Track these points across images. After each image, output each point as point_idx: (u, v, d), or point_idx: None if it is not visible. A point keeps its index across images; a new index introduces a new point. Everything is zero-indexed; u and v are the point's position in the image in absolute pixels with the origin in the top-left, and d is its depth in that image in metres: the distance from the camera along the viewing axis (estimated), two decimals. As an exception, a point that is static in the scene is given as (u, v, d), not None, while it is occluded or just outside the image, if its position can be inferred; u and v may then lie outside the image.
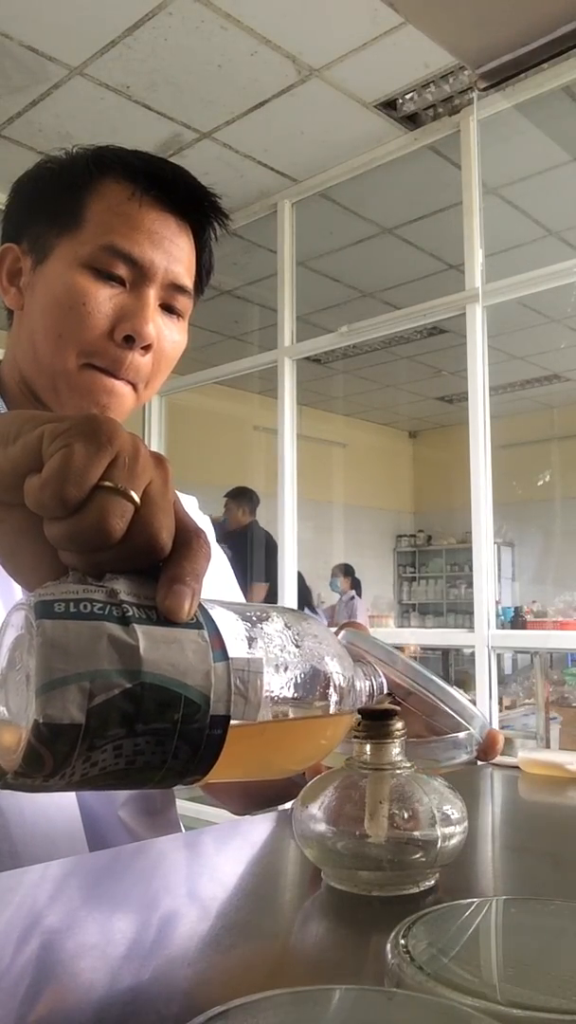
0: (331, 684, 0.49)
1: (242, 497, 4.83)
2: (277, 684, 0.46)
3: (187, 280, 0.84)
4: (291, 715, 0.48)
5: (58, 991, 0.40)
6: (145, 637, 0.40)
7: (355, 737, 0.53)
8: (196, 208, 0.84)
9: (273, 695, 0.46)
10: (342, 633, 0.63)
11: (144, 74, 2.97)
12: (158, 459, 0.43)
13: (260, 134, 3.32)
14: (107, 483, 0.39)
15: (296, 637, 0.48)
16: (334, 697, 0.49)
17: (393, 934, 0.33)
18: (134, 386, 0.82)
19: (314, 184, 3.69)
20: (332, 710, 0.48)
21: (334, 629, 0.67)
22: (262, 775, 0.50)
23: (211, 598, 0.47)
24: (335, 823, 0.50)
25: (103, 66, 2.92)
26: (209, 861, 0.50)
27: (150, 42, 2.80)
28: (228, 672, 0.43)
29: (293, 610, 0.51)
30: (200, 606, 0.43)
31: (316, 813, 0.51)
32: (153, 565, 0.42)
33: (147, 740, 0.42)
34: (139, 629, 0.40)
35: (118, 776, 0.42)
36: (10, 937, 0.45)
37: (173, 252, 0.82)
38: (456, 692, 0.62)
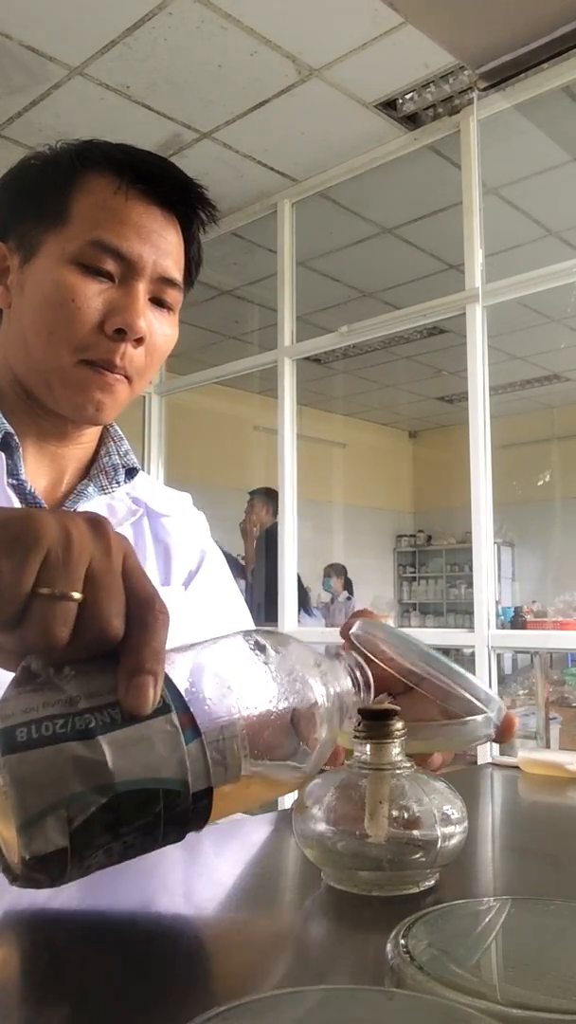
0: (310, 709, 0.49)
1: (268, 497, 4.80)
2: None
3: (176, 273, 0.83)
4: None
5: (57, 991, 0.40)
6: (111, 747, 0.41)
7: (355, 737, 0.53)
8: (183, 200, 0.84)
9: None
10: (356, 623, 0.62)
11: (144, 74, 2.96)
12: (96, 527, 0.42)
13: (260, 134, 3.32)
14: (43, 590, 0.39)
15: (268, 670, 0.48)
16: (316, 721, 0.49)
17: (393, 934, 0.33)
18: (129, 379, 0.82)
19: (314, 184, 3.68)
20: (317, 735, 0.49)
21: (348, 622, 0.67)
22: (257, 805, 0.51)
23: (176, 649, 0.47)
24: (335, 823, 0.50)
25: (103, 66, 2.92)
26: (209, 861, 0.51)
27: (150, 42, 2.80)
28: (202, 749, 0.43)
29: (258, 633, 0.51)
30: (165, 679, 0.43)
31: (316, 813, 0.51)
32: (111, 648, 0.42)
33: (134, 836, 0.43)
34: (104, 741, 0.41)
35: (115, 863, 0.44)
36: (8, 937, 0.45)
37: (161, 246, 0.81)
38: (472, 676, 0.61)
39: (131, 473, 0.92)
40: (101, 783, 0.41)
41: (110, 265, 0.79)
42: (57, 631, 0.39)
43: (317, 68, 2.93)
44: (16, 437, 0.81)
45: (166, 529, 0.93)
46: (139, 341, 0.81)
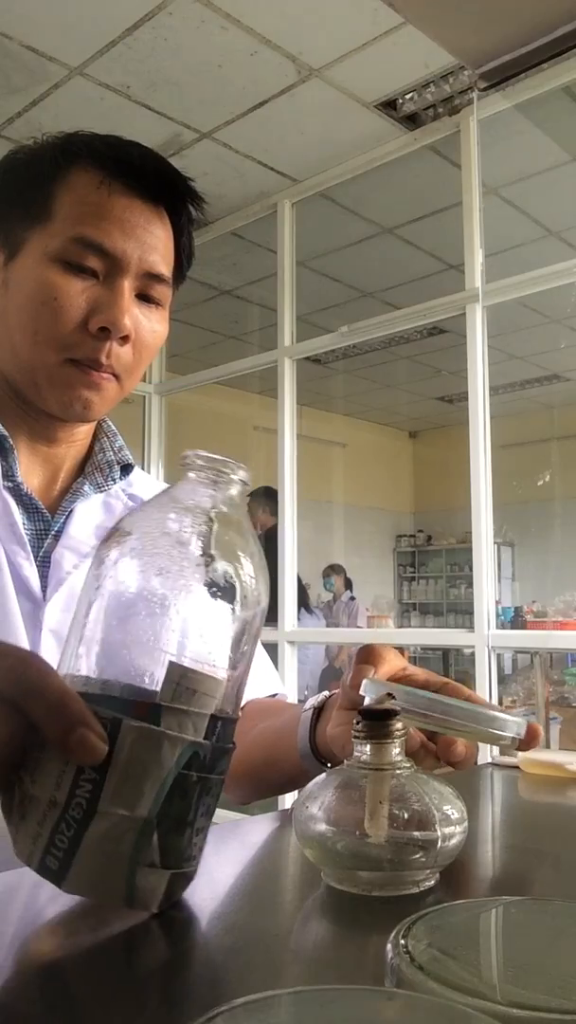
0: (240, 590, 0.47)
1: (264, 497, 4.76)
2: (207, 648, 0.47)
3: (163, 268, 0.81)
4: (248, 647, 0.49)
5: (57, 992, 0.40)
6: (114, 803, 0.42)
7: (355, 737, 0.53)
8: (169, 193, 0.82)
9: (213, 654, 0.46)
10: (363, 684, 0.60)
11: (144, 74, 2.96)
12: None
13: (260, 134, 3.32)
14: None
15: (156, 589, 0.46)
16: (251, 591, 0.48)
17: (393, 934, 0.33)
18: (117, 377, 0.81)
19: (314, 184, 3.68)
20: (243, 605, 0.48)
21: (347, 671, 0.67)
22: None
23: (73, 638, 0.47)
24: (335, 823, 0.50)
25: (103, 66, 2.92)
26: (208, 861, 0.51)
27: (150, 42, 2.80)
28: (175, 711, 0.44)
29: (108, 552, 0.47)
30: (91, 697, 0.44)
31: (316, 813, 0.51)
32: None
33: (204, 803, 0.45)
34: (103, 806, 0.42)
35: (210, 823, 0.47)
36: (8, 938, 0.44)
37: (147, 240, 0.79)
38: (492, 708, 0.62)
39: (127, 469, 0.91)
40: (139, 827, 0.42)
41: (94, 262, 0.77)
42: None
43: (317, 68, 2.92)
44: (10, 439, 0.81)
45: None
46: (125, 339, 0.79)
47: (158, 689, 0.44)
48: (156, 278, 0.81)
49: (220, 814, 0.60)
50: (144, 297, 0.81)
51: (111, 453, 0.90)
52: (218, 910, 0.49)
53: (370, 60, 2.87)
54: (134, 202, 0.79)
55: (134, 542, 0.47)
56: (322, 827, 0.50)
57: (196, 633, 0.47)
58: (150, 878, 0.43)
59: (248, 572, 0.47)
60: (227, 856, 0.61)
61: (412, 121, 3.26)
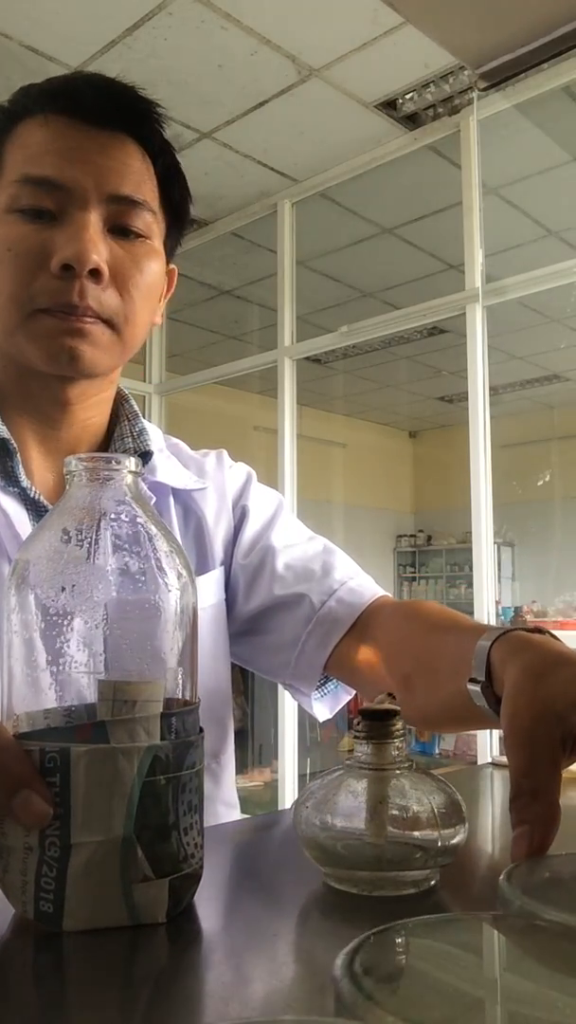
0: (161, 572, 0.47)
1: None
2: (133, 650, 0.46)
3: (133, 190, 0.72)
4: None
5: (56, 994, 0.40)
6: (85, 830, 0.42)
7: (355, 737, 0.53)
8: (124, 115, 0.74)
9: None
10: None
11: (144, 74, 2.96)
12: None
13: (260, 134, 3.32)
14: None
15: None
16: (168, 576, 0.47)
17: (340, 957, 0.32)
18: (108, 323, 0.72)
19: (314, 184, 3.68)
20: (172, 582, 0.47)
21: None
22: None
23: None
24: (335, 823, 0.50)
25: (103, 66, 2.92)
26: (209, 861, 0.51)
27: (150, 42, 2.80)
28: (124, 724, 0.43)
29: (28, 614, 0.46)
30: (38, 734, 0.44)
31: (316, 813, 0.51)
32: None
33: (187, 801, 0.45)
34: (75, 838, 0.42)
35: (202, 815, 0.47)
36: (7, 938, 0.44)
37: (104, 163, 0.71)
38: None
39: (147, 457, 0.82)
40: (119, 847, 0.42)
41: (47, 201, 0.70)
42: None
43: (317, 68, 2.92)
44: (14, 441, 0.75)
45: (198, 503, 0.86)
46: (98, 276, 0.70)
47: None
48: (127, 201, 0.72)
49: (221, 815, 0.59)
50: (121, 230, 0.72)
51: (129, 440, 0.82)
52: (218, 910, 0.49)
53: (370, 60, 2.87)
54: (82, 130, 0.71)
55: (32, 570, 0.45)
56: (322, 827, 0.50)
57: (122, 641, 0.45)
58: (148, 892, 0.42)
59: (160, 559, 0.46)
60: (227, 856, 0.61)
61: (412, 121, 3.26)
